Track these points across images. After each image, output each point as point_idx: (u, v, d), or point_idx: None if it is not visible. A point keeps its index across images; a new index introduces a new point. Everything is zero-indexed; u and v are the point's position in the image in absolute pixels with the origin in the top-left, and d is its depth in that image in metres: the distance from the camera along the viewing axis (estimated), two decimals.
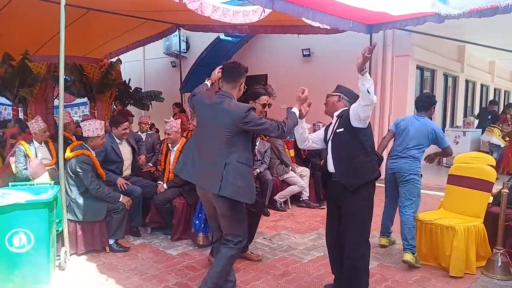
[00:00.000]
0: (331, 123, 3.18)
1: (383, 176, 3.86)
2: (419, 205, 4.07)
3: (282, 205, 5.96)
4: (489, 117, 9.73)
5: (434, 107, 4.28)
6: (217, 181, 2.75)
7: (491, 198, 4.07)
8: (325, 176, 3.19)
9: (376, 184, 3.07)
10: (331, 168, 3.05)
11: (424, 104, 4.23)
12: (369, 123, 2.96)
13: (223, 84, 3.03)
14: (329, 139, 3.10)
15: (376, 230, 4.91)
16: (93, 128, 4.15)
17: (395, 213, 4.30)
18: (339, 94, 3.11)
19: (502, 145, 8.80)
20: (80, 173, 3.99)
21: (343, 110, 3.07)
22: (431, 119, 4.26)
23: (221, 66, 3.08)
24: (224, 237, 2.96)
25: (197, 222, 4.33)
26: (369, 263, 3.05)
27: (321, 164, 6.27)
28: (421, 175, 4.03)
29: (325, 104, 3.18)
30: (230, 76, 3.01)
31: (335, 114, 3.10)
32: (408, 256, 3.75)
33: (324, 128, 3.33)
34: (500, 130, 9.01)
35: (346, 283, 3.04)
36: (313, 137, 3.28)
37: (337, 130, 3.00)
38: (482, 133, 9.33)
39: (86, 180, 4.01)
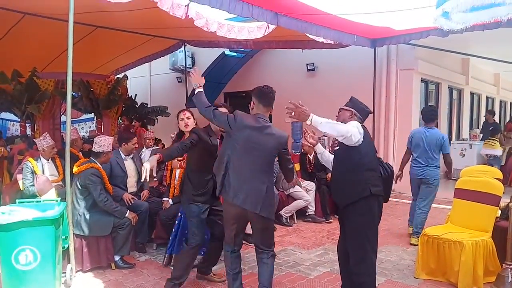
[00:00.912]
0: None
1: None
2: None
3: (288, 220, 5.93)
4: (491, 129, 9.71)
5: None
6: (259, 201, 2.97)
7: (499, 212, 4.03)
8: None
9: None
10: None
11: (432, 116, 5.05)
12: (366, 139, 2.96)
13: (259, 107, 3.12)
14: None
15: (383, 245, 4.88)
16: (107, 143, 4.31)
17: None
18: (352, 110, 3.09)
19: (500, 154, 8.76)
20: (90, 185, 4.04)
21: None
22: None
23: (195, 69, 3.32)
24: (260, 247, 3.18)
25: (170, 248, 4.14)
26: (375, 278, 3.01)
27: (327, 177, 6.26)
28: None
29: (337, 116, 3.17)
30: (267, 100, 3.13)
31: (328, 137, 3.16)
32: (414, 240, 4.78)
33: None
34: (504, 138, 9.00)
35: None
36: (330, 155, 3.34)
37: (335, 148, 3.10)
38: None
39: (95, 192, 4.06)
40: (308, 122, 2.73)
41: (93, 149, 4.32)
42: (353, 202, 2.90)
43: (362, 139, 2.90)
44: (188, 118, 3.81)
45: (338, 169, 3.07)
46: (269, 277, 3.10)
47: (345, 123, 3.00)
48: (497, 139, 9.02)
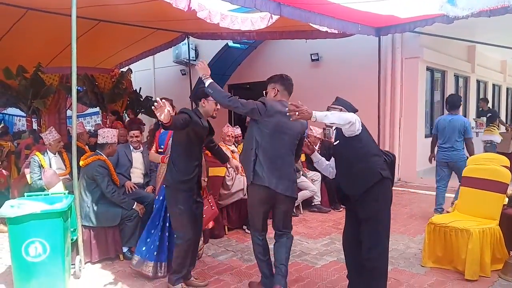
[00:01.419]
0: None
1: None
2: None
3: (294, 210, 5.95)
4: (488, 116, 9.73)
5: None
6: (290, 184, 3.17)
7: (506, 199, 4.01)
8: (338, 190, 3.25)
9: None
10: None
11: (456, 103, 5.54)
12: (364, 127, 2.96)
13: (284, 93, 3.32)
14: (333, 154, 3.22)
15: (390, 233, 4.88)
16: (111, 135, 4.34)
17: (446, 191, 5.53)
18: (340, 107, 3.10)
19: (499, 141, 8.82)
20: (97, 177, 4.09)
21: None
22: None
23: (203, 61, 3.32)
24: (281, 230, 3.28)
25: (144, 248, 3.69)
26: (387, 264, 3.02)
27: None
28: (467, 157, 5.01)
29: None
30: (290, 86, 3.35)
31: (333, 128, 3.17)
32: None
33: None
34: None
35: (365, 285, 3.04)
36: (332, 163, 3.32)
37: (335, 143, 3.09)
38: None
39: (103, 183, 4.11)
40: (313, 119, 2.74)
41: (98, 141, 4.36)
42: (367, 190, 2.89)
43: (361, 128, 2.92)
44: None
45: (343, 162, 3.04)
46: (287, 257, 3.21)
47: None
48: (496, 125, 9.08)
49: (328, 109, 3.12)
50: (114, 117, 8.68)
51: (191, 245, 3.39)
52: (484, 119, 10.20)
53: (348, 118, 2.81)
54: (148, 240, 3.70)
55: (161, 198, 3.75)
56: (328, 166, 3.32)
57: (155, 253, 3.64)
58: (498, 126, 9.18)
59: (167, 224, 3.65)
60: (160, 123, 2.96)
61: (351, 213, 3.13)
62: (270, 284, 3.20)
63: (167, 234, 3.68)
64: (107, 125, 8.55)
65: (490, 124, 9.12)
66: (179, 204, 3.29)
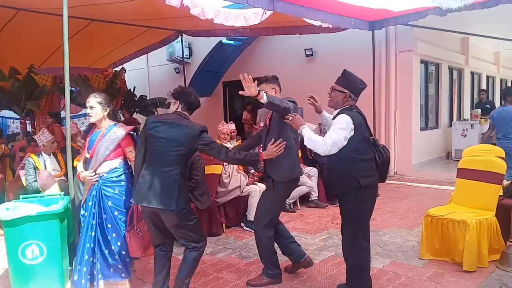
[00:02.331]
0: None
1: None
2: None
3: (292, 206, 5.95)
4: (487, 106, 9.82)
5: None
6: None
7: (502, 190, 4.03)
8: None
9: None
10: None
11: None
12: (358, 130, 2.91)
13: (279, 93, 3.48)
14: None
15: (387, 227, 4.90)
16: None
17: None
18: (346, 92, 2.97)
19: None
20: None
21: (342, 109, 2.98)
22: None
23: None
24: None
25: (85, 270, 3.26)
26: (367, 262, 3.01)
27: None
28: None
29: (329, 97, 3.09)
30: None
31: (335, 112, 3.07)
32: None
33: None
34: None
35: (348, 284, 3.13)
36: None
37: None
38: None
39: None
40: (299, 131, 3.02)
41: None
42: (344, 193, 2.98)
43: (353, 133, 2.86)
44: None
45: (330, 160, 3.05)
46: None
47: (337, 105, 3.02)
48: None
49: (331, 90, 3.06)
50: (51, 120, 7.63)
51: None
52: (479, 110, 10.25)
53: (321, 150, 2.87)
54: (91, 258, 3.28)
55: (90, 203, 3.30)
56: None
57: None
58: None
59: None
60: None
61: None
62: (280, 275, 3.48)
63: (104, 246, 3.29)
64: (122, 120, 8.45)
65: (483, 117, 9.21)
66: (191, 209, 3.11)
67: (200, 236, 3.07)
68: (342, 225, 3.09)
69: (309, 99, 3.43)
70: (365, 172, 2.92)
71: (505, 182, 4.02)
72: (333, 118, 3.04)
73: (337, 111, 3.02)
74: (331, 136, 2.85)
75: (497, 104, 11.86)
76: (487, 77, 12.89)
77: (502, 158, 4.02)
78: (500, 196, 3.96)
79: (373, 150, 2.99)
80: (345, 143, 2.86)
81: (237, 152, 3.10)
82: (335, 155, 2.89)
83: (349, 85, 3.00)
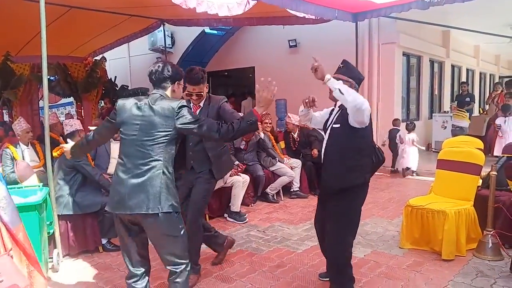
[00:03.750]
0: (333, 108, 3.00)
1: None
2: None
3: (275, 197, 5.98)
4: (466, 100, 10.08)
5: None
6: None
7: (480, 181, 4.12)
8: (320, 166, 2.99)
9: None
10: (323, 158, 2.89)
11: None
12: (371, 123, 2.75)
13: None
14: (327, 129, 2.91)
15: (369, 217, 4.97)
16: (77, 123, 4.30)
17: None
18: (351, 81, 2.78)
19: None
20: (80, 162, 4.01)
21: None
22: None
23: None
24: None
25: None
26: (349, 260, 2.91)
27: (312, 154, 6.30)
28: None
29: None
30: None
31: (338, 103, 2.85)
32: None
33: (327, 111, 3.08)
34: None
35: (330, 279, 3.03)
36: (315, 116, 3.10)
37: (334, 125, 2.79)
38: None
39: (87, 167, 4.08)
40: (325, 80, 2.64)
41: (66, 132, 4.25)
42: (345, 188, 2.73)
43: (369, 122, 2.70)
44: None
45: (334, 150, 2.78)
46: None
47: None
48: (466, 111, 9.48)
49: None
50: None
51: None
52: (456, 103, 10.45)
53: (359, 100, 2.54)
54: None
55: None
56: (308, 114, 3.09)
57: None
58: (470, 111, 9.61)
59: None
60: None
61: (322, 198, 3.06)
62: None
63: None
64: (103, 110, 8.29)
65: (460, 110, 9.44)
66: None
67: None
68: (330, 222, 2.83)
69: (308, 101, 3.00)
70: (368, 167, 2.82)
71: (483, 173, 4.11)
72: (335, 115, 2.86)
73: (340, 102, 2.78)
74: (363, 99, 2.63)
75: (476, 97, 12.13)
76: (467, 70, 13.13)
77: (481, 149, 4.10)
78: (478, 186, 4.05)
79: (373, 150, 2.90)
80: (367, 122, 2.66)
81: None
82: (345, 144, 2.70)
83: (353, 75, 2.83)
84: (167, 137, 2.34)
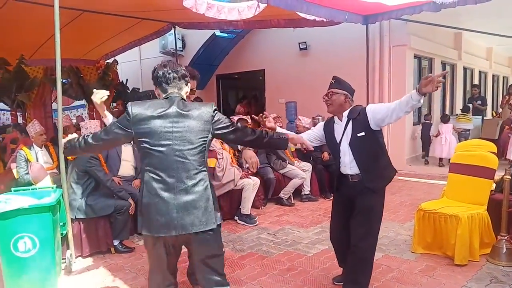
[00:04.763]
0: (331, 121, 3.09)
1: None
2: None
3: (290, 200, 5.98)
4: (479, 102, 10.11)
5: None
6: None
7: (494, 185, 4.07)
8: (339, 179, 3.08)
9: None
10: (347, 170, 2.97)
11: None
12: None
13: None
14: (340, 141, 2.98)
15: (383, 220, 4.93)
16: (94, 125, 4.28)
17: None
18: (345, 93, 2.96)
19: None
20: (91, 168, 4.04)
21: (352, 110, 2.95)
22: None
23: None
24: None
25: None
26: (374, 256, 3.04)
27: (322, 157, 6.28)
28: None
29: (326, 101, 3.00)
30: None
31: (344, 114, 2.97)
32: None
33: (321, 126, 3.20)
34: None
35: (351, 274, 3.04)
36: (309, 137, 3.15)
37: (358, 134, 2.90)
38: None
39: (99, 173, 4.09)
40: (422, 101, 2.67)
41: (81, 134, 4.29)
42: (381, 187, 2.98)
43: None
44: None
45: (367, 155, 2.92)
46: None
47: (343, 108, 2.96)
48: (470, 114, 9.62)
49: (331, 94, 2.95)
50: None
51: None
52: (471, 106, 10.33)
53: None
54: None
55: None
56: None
57: None
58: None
59: None
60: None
61: (344, 205, 3.07)
62: None
63: None
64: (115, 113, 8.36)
65: (463, 114, 9.44)
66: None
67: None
68: (360, 217, 2.93)
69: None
70: (391, 166, 3.05)
71: (497, 177, 4.06)
72: (346, 125, 2.96)
73: (347, 113, 2.96)
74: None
75: (489, 100, 11.99)
76: (480, 72, 12.98)
77: (494, 153, 4.06)
78: (491, 190, 4.00)
79: None
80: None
81: (263, 131, 2.41)
82: (375, 146, 2.92)
83: (345, 88, 2.99)
84: (205, 144, 2.18)
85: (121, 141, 2.30)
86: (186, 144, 2.12)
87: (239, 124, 2.38)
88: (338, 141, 3.00)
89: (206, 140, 2.18)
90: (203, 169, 2.17)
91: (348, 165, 2.96)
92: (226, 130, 2.25)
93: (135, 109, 2.16)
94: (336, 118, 3.05)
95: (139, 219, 2.19)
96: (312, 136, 3.19)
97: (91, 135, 2.30)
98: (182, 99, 2.24)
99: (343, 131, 2.97)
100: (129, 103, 2.19)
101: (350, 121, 2.93)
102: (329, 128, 3.10)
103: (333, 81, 3.03)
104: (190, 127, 2.13)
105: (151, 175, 2.11)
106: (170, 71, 2.24)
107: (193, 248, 2.20)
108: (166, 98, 2.22)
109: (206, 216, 2.11)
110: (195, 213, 2.09)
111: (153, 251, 2.22)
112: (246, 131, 2.34)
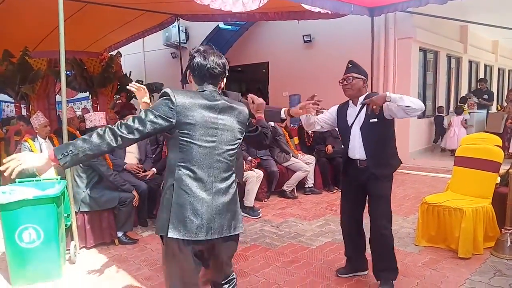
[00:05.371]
0: (345, 105, 3.10)
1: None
2: None
3: (293, 193, 5.97)
4: (485, 96, 10.02)
5: None
6: None
7: (499, 178, 4.05)
8: (347, 162, 3.12)
9: None
10: (355, 155, 3.01)
11: None
12: None
13: None
14: (352, 125, 3.01)
15: None
16: (99, 117, 4.27)
17: None
18: (363, 78, 2.98)
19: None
20: (95, 162, 4.03)
21: (368, 96, 2.95)
22: None
23: None
24: None
25: None
26: None
27: (326, 150, 6.27)
28: None
29: (345, 85, 2.98)
30: None
31: (360, 99, 2.97)
32: None
33: (334, 109, 3.19)
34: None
35: (383, 262, 3.08)
36: (320, 120, 3.17)
37: (371, 120, 2.91)
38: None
39: (102, 167, 4.08)
40: (387, 99, 2.70)
41: (86, 126, 4.30)
42: (390, 173, 3.04)
43: None
44: None
45: (377, 142, 2.96)
46: None
47: (360, 92, 2.97)
48: (467, 105, 9.67)
49: (351, 78, 2.94)
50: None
51: None
52: (475, 99, 10.24)
53: (420, 103, 2.79)
54: None
55: None
56: (309, 118, 3.13)
57: None
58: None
59: None
60: None
61: (356, 192, 3.11)
62: None
63: None
64: (118, 105, 8.35)
65: (460, 104, 9.53)
66: None
67: None
68: (378, 205, 3.02)
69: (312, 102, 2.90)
70: (397, 156, 3.11)
71: (502, 171, 4.03)
72: (360, 110, 2.97)
73: (363, 98, 2.95)
74: None
75: (495, 93, 11.90)
76: (485, 66, 12.88)
77: (499, 146, 4.03)
78: (496, 184, 3.98)
79: None
80: None
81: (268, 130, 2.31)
82: (385, 134, 2.97)
83: (362, 72, 3.01)
84: (239, 145, 2.06)
85: (158, 132, 1.93)
86: (228, 143, 1.98)
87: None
88: (350, 124, 3.03)
89: (240, 141, 2.07)
90: (234, 171, 2.05)
91: (358, 149, 3.01)
92: (252, 134, 2.17)
93: (179, 97, 1.86)
94: (351, 102, 3.07)
95: (163, 218, 1.90)
96: (323, 119, 3.19)
97: (123, 129, 1.85)
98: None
99: (356, 115, 3.00)
100: (167, 89, 1.89)
101: (365, 106, 2.93)
102: (342, 111, 3.12)
103: (350, 65, 3.02)
104: (232, 126, 1.99)
105: (186, 172, 1.88)
106: (218, 68, 2.04)
107: (214, 252, 2.03)
108: (202, 91, 1.98)
109: (235, 219, 2.00)
110: (228, 215, 1.96)
111: (183, 260, 1.94)
112: (263, 134, 2.24)
